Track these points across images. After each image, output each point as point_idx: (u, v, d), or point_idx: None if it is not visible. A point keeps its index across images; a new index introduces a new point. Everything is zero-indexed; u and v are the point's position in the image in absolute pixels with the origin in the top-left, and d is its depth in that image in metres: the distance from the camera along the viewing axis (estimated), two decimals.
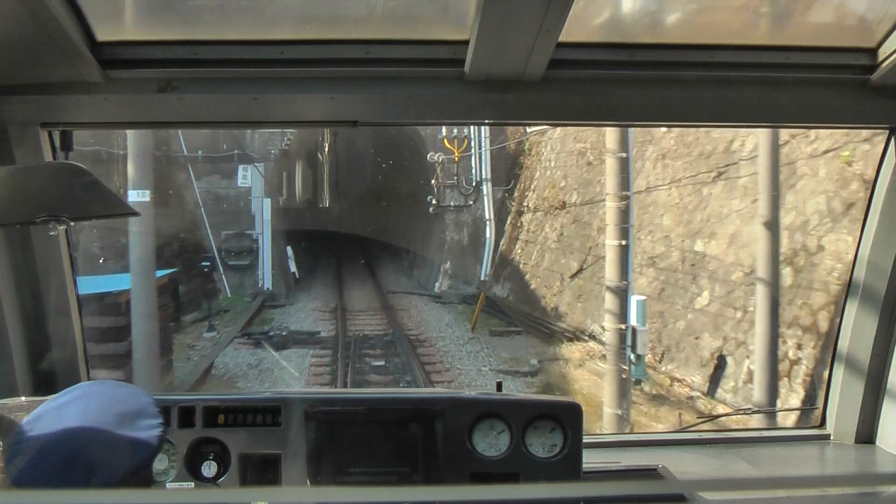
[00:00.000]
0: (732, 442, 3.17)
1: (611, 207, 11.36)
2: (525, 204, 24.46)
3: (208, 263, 22.70)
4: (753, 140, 11.73)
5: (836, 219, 10.54)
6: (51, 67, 2.32)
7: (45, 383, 2.68)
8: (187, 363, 15.81)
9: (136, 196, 11.21)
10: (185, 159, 23.33)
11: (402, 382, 14.74)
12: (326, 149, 30.69)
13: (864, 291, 2.93)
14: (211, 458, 2.59)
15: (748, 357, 11.21)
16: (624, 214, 11.17)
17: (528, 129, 22.05)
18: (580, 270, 18.47)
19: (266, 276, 25.10)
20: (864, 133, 8.78)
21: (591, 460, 2.72)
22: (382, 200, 32.90)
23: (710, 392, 11.95)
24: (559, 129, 19.99)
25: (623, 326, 11.07)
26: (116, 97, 2.41)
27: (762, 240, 10.24)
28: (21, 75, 2.35)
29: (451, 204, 25.45)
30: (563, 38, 2.23)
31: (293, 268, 27.93)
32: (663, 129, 14.93)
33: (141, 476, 1.68)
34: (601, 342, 13.95)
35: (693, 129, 13.96)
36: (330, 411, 2.67)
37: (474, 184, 24.99)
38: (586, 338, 16.36)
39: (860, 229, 2.94)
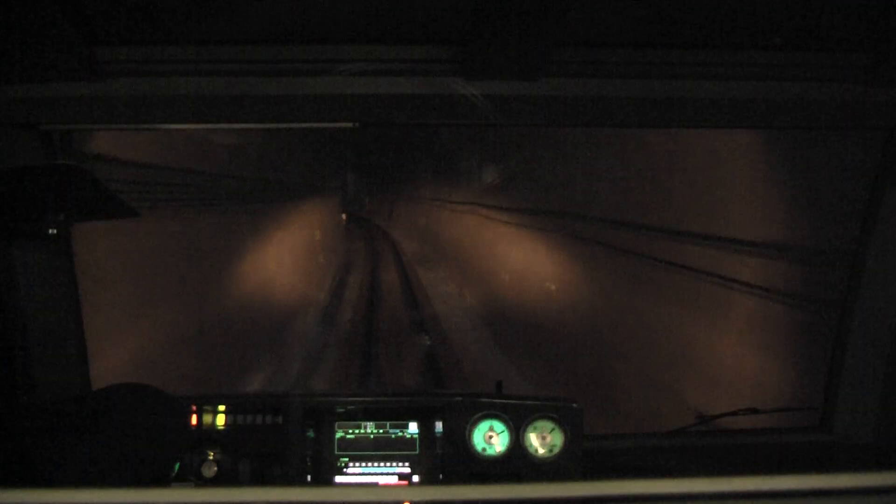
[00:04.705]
0: (732, 442, 3.17)
1: None
2: None
3: None
4: None
5: None
6: (50, 68, 2.32)
7: (47, 385, 2.68)
8: None
9: None
10: None
11: None
12: None
13: (863, 291, 2.93)
14: (211, 458, 2.60)
15: None
16: None
17: None
18: None
19: None
20: None
21: (591, 460, 2.72)
22: None
23: None
24: None
25: None
26: (116, 97, 2.42)
27: None
28: (20, 76, 2.35)
29: None
30: (562, 38, 2.23)
31: None
32: None
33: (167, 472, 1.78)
34: None
35: None
36: (330, 411, 2.68)
37: None
38: None
39: (860, 229, 2.94)
